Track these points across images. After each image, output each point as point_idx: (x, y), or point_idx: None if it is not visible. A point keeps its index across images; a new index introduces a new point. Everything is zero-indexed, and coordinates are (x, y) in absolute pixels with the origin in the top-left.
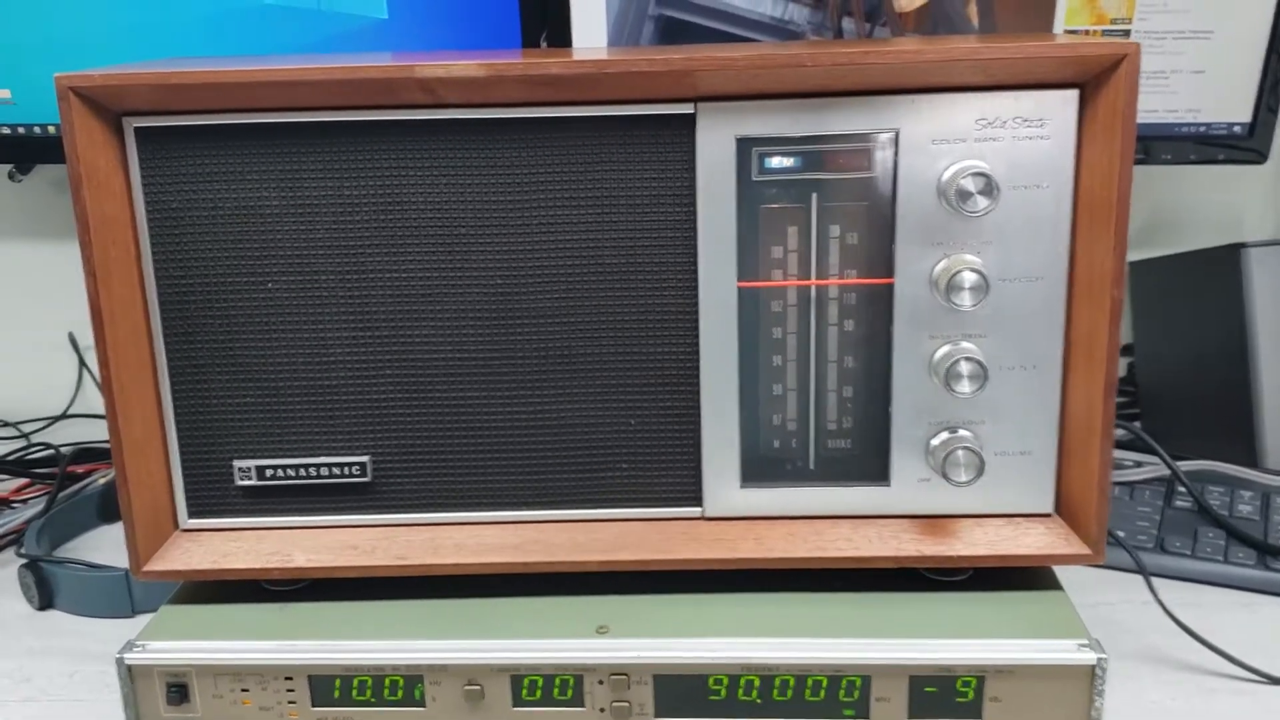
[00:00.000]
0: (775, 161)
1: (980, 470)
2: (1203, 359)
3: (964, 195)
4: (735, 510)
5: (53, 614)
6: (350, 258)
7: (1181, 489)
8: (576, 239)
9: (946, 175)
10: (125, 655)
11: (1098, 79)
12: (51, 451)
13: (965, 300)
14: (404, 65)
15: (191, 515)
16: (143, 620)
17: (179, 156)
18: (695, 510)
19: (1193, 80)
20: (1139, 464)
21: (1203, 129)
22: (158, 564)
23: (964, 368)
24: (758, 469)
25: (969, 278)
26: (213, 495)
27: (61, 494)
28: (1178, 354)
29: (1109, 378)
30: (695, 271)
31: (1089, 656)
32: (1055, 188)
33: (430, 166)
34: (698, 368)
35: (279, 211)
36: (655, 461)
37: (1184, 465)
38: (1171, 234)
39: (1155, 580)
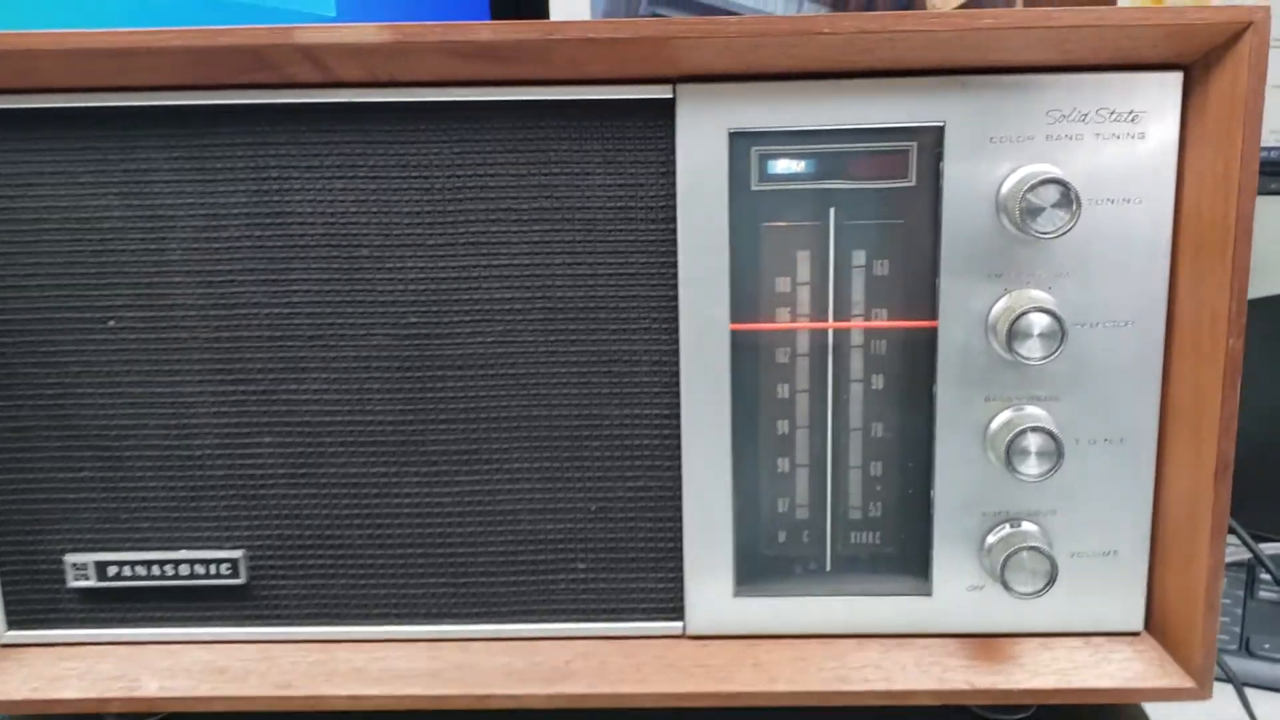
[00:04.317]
0: (782, 165)
1: (1051, 577)
2: None
3: (1032, 211)
4: (727, 626)
5: None
6: (216, 287)
7: (1266, 576)
8: (517, 265)
9: (1008, 185)
10: None
11: (1208, 58)
12: None
13: (1033, 351)
14: (280, 29)
15: (11, 626)
16: None
17: None
18: (675, 625)
19: None
20: None
21: None
22: None
23: (1031, 441)
24: (757, 571)
25: (1038, 321)
26: (38, 600)
27: None
28: (1263, 413)
29: (1222, 456)
30: (675, 309)
31: None
32: (1151, 203)
33: (321, 166)
34: (679, 436)
35: (123, 225)
36: (622, 560)
37: (1269, 548)
38: (1259, 271)
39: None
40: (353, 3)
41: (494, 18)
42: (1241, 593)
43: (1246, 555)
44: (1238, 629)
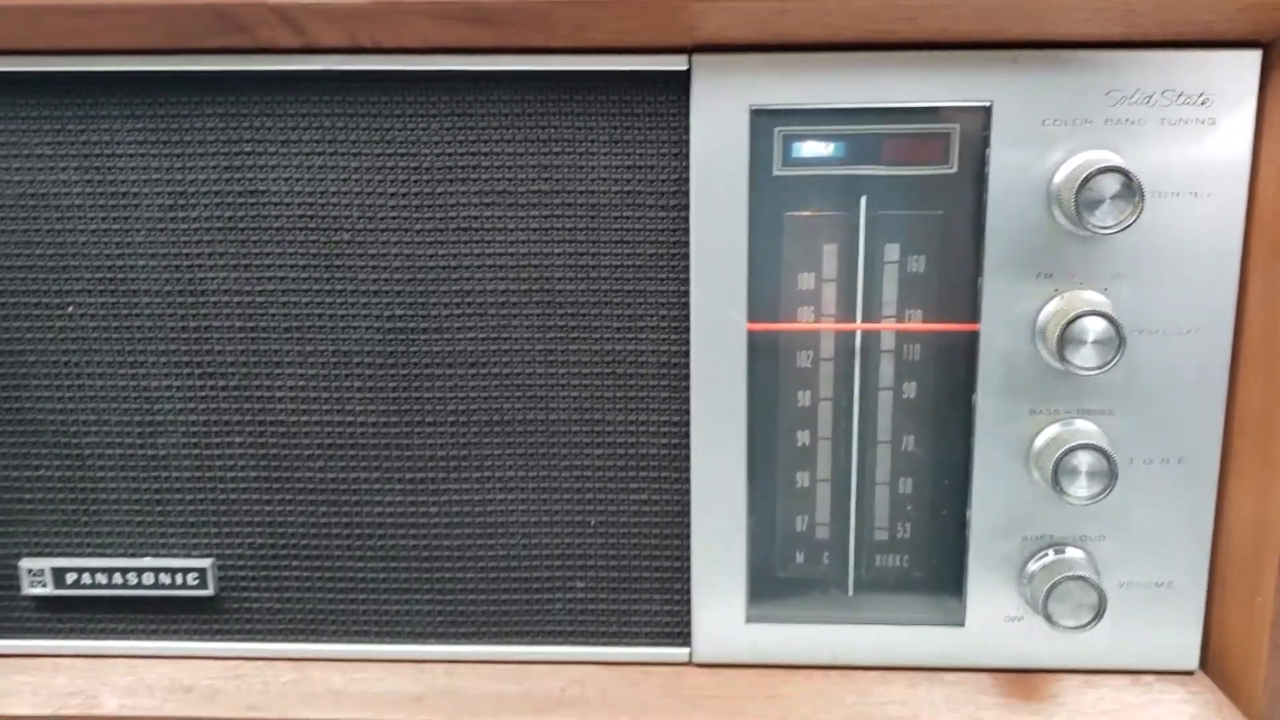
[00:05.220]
0: (808, 148)
1: (1099, 610)
2: None
3: (1090, 204)
4: (738, 654)
5: None
6: (184, 272)
7: None
8: (513, 254)
9: (1063, 173)
10: None
11: None
12: None
13: (1087, 359)
14: None
15: None
16: None
17: None
18: (681, 652)
19: None
20: None
21: None
22: None
23: (1081, 459)
24: (772, 594)
25: (1093, 326)
26: None
27: None
28: None
29: None
30: (686, 306)
31: None
32: (1222, 197)
33: (298, 140)
34: (688, 445)
35: (82, 202)
36: (624, 579)
37: None
38: None
39: None
40: None
41: None
42: None
43: None
44: None
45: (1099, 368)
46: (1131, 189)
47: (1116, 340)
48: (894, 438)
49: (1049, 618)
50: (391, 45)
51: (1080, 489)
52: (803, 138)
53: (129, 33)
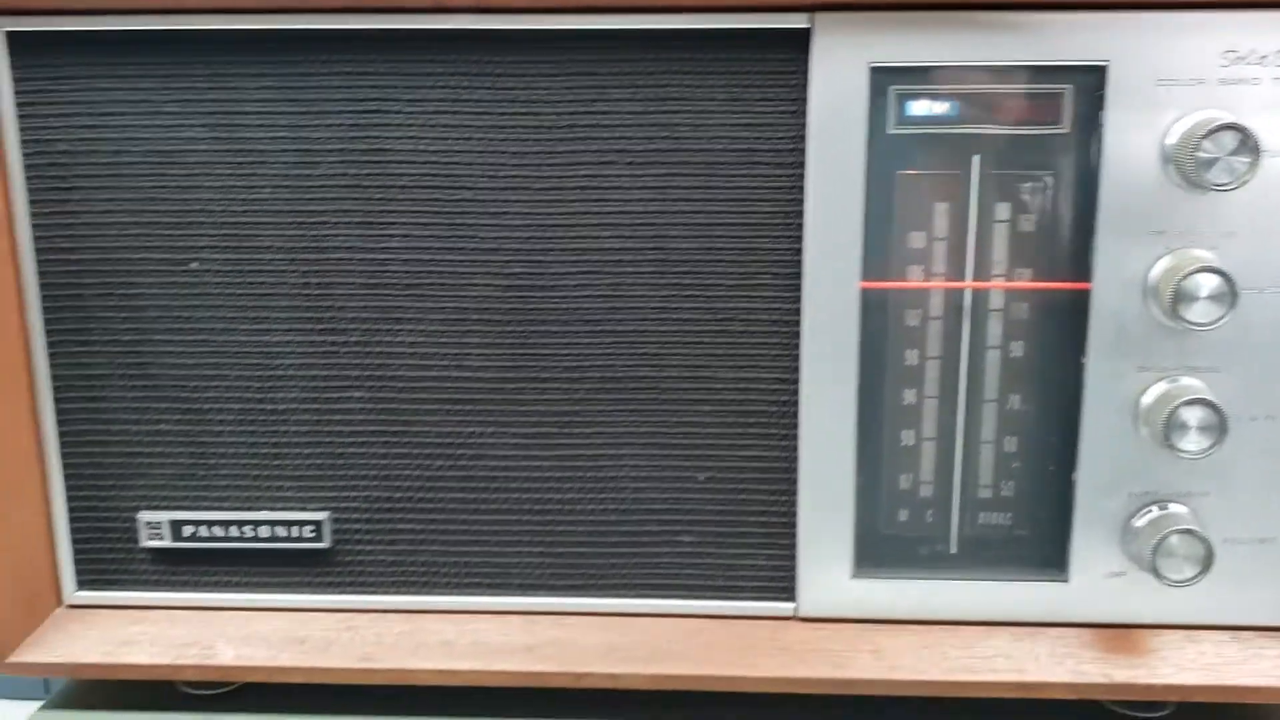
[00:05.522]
0: (921, 106)
1: (1206, 564)
2: None
3: (1204, 163)
4: (844, 609)
5: None
6: (308, 229)
7: None
8: (631, 211)
9: (1178, 133)
10: None
11: None
12: None
13: (1199, 315)
14: None
15: (81, 587)
16: None
17: (70, 76)
18: (787, 606)
19: None
20: None
21: None
22: (29, 652)
23: (1192, 415)
24: (877, 551)
25: (1206, 282)
26: (109, 560)
27: None
28: None
29: None
30: (798, 264)
31: None
32: None
33: (424, 99)
34: (796, 402)
35: (209, 160)
36: (731, 534)
37: None
38: None
39: None
40: None
41: None
42: None
43: None
44: None
45: (1212, 323)
46: (1248, 145)
47: (1230, 296)
48: (1000, 396)
49: (1156, 572)
50: (519, 5)
51: (1191, 444)
52: (917, 96)
53: None
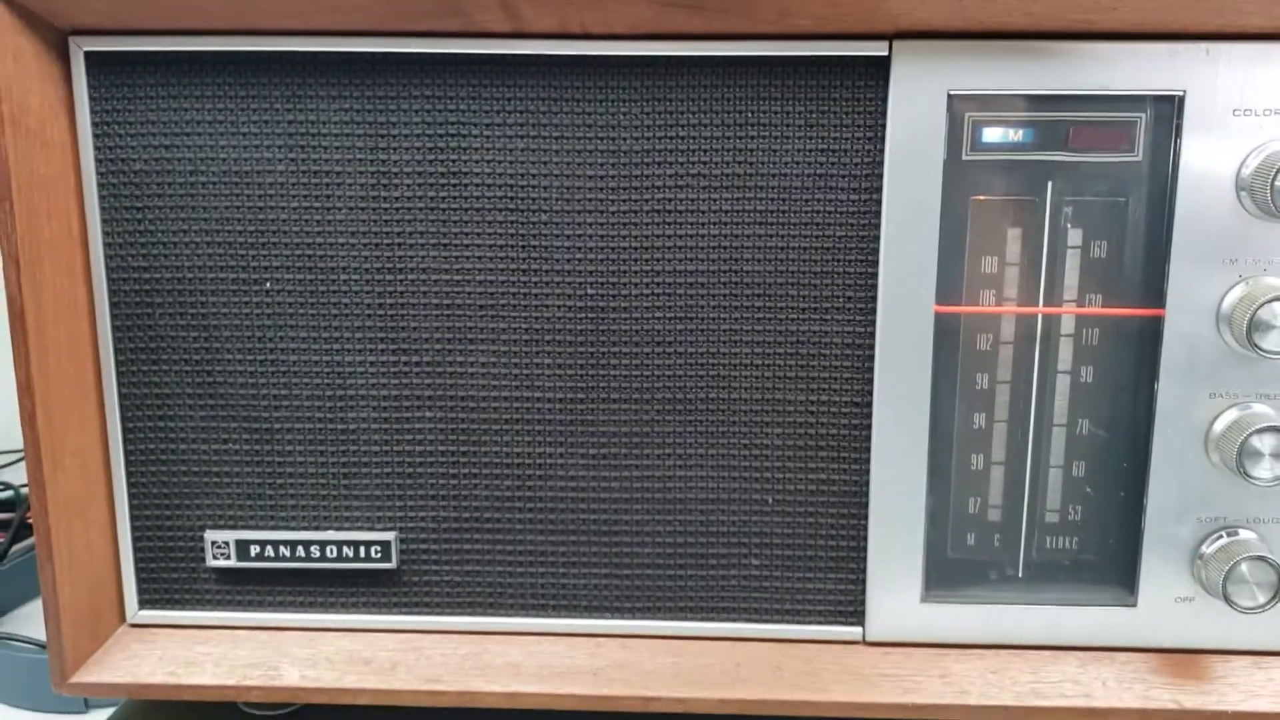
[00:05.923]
0: (996, 133)
1: (1277, 591)
2: None
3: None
4: (912, 633)
5: None
6: (383, 250)
7: None
8: (706, 234)
9: (1253, 163)
10: None
11: None
12: (11, 493)
13: (1273, 343)
14: None
15: (143, 606)
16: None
17: (148, 96)
18: (855, 630)
19: None
20: None
21: None
22: (93, 673)
23: (1265, 442)
24: (946, 575)
25: None
26: (174, 579)
27: (16, 545)
28: None
29: None
30: (873, 288)
31: None
32: None
33: (503, 124)
34: (869, 426)
35: (286, 180)
36: (799, 558)
37: None
38: None
39: None
40: None
41: None
42: None
43: None
44: None
45: None
46: None
47: None
48: (1070, 421)
49: (1228, 598)
50: (600, 31)
51: (1264, 470)
52: (991, 123)
53: (346, 14)
